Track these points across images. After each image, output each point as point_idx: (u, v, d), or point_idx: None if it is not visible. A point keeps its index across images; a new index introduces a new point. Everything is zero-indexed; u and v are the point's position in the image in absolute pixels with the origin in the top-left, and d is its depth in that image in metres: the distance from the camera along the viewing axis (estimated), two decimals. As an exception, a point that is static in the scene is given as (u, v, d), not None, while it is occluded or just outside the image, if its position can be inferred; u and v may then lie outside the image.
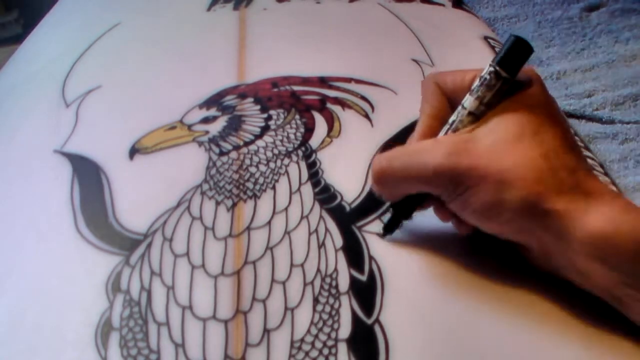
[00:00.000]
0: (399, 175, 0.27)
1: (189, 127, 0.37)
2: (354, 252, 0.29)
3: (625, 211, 0.23)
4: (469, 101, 0.27)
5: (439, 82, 0.29)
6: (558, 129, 0.26)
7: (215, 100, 0.39)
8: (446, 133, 0.28)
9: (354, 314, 0.26)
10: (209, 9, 0.54)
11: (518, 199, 0.24)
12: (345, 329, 0.26)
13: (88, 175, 0.34)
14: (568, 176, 0.24)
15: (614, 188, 0.35)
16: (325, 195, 0.32)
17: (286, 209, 0.31)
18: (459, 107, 0.27)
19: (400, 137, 0.36)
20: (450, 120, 0.28)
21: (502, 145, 0.25)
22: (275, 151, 0.35)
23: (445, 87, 0.29)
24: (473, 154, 0.25)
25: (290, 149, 0.35)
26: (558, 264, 0.26)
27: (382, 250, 0.29)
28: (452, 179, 0.25)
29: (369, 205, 0.31)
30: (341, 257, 0.29)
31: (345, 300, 0.27)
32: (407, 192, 0.28)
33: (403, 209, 0.29)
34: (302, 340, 0.25)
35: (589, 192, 0.24)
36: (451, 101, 0.29)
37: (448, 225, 0.29)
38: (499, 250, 0.28)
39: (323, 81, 0.41)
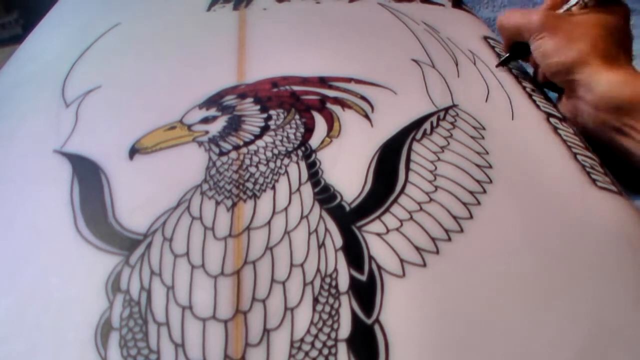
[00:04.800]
0: (512, 26, 0.46)
1: (189, 127, 0.37)
2: (353, 252, 0.29)
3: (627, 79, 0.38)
4: None
5: None
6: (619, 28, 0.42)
7: (215, 100, 0.39)
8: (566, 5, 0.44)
9: (353, 314, 0.26)
10: (208, 9, 0.54)
11: (574, 53, 0.40)
12: (345, 329, 0.26)
13: (88, 175, 0.34)
14: (611, 55, 0.40)
15: (614, 188, 0.35)
16: (325, 195, 0.32)
17: (286, 209, 0.31)
18: None
19: (401, 137, 0.36)
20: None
21: (580, 25, 0.41)
22: (275, 151, 0.35)
23: None
24: (557, 21, 0.42)
25: (290, 149, 0.35)
26: (581, 115, 0.42)
27: (382, 250, 0.29)
28: (539, 29, 0.42)
29: (369, 205, 0.31)
30: (341, 257, 0.29)
31: (345, 300, 0.27)
32: (514, 38, 0.46)
33: (514, 53, 0.46)
34: (301, 340, 0.25)
35: (617, 66, 0.39)
36: None
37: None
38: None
39: (323, 81, 0.41)
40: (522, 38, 0.44)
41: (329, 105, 0.39)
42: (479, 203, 0.32)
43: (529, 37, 0.43)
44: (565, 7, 0.44)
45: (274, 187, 0.32)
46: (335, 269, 0.28)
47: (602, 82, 0.39)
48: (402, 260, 0.28)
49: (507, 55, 0.46)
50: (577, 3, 0.43)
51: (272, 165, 0.34)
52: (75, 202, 0.32)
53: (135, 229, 0.30)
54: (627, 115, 0.38)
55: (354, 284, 0.27)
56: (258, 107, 0.38)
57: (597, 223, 0.32)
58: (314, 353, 0.25)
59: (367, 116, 0.38)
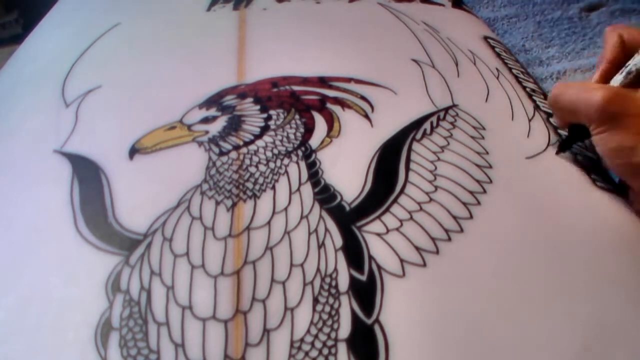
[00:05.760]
0: (567, 103, 0.35)
1: (189, 127, 0.37)
2: (353, 252, 0.29)
3: None
4: None
5: (622, 34, 0.36)
6: None
7: (215, 100, 0.39)
8: (621, 74, 0.34)
9: (353, 314, 0.26)
10: (208, 9, 0.54)
11: None
12: (345, 329, 0.26)
13: (88, 175, 0.34)
14: None
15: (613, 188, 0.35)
16: (325, 195, 0.32)
17: (286, 209, 0.31)
18: (635, 55, 0.34)
19: (401, 137, 0.36)
20: (625, 66, 0.34)
21: None
22: (275, 151, 0.35)
23: (626, 39, 0.36)
24: (626, 106, 0.32)
25: (290, 149, 0.35)
26: None
27: (382, 250, 0.29)
28: (602, 118, 0.32)
29: (368, 205, 0.31)
30: (341, 257, 0.29)
31: (345, 300, 0.27)
32: (571, 118, 0.35)
33: (574, 135, 0.36)
34: (301, 340, 0.25)
35: None
36: (629, 51, 0.35)
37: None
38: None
39: (323, 81, 0.41)
40: (579, 120, 0.35)
41: (329, 105, 0.39)
42: (479, 203, 0.32)
43: (589, 123, 0.34)
44: (620, 78, 0.34)
45: (274, 187, 0.32)
46: (335, 269, 0.28)
47: None
48: (402, 260, 0.28)
49: (566, 138, 0.37)
50: (631, 73, 0.34)
51: (272, 165, 0.34)
52: (75, 202, 0.32)
53: (135, 229, 0.30)
54: None
55: (354, 284, 0.27)
56: (258, 107, 0.38)
57: (597, 223, 0.32)
58: (314, 353, 0.25)
59: (367, 116, 0.38)
